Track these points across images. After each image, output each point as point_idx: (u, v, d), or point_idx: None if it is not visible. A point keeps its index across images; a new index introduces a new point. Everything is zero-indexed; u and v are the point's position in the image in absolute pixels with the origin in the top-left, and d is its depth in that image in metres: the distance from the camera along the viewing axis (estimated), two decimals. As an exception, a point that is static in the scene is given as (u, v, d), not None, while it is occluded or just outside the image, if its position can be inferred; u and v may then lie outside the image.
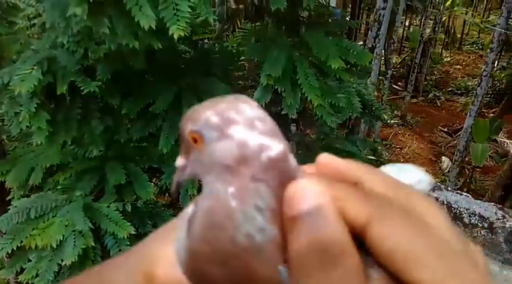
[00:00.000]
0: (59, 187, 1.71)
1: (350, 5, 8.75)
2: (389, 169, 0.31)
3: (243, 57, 2.18)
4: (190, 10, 1.26)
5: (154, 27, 1.23)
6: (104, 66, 1.49)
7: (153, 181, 2.10)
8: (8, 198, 1.77)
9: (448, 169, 6.03)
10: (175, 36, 1.24)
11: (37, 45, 1.55)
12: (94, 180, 1.74)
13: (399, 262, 0.20)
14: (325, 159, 0.25)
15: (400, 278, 0.20)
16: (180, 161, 0.25)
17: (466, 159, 5.90)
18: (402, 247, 0.20)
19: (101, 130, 1.62)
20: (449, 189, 2.11)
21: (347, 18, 5.31)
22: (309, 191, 0.21)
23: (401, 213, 0.22)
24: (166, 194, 2.32)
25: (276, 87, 1.79)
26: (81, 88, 1.44)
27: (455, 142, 6.61)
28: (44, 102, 1.47)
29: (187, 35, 1.29)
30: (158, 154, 1.85)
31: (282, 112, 1.87)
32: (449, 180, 5.26)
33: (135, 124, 1.76)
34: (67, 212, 1.59)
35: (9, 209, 1.59)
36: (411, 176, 0.30)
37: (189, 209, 0.27)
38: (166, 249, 0.29)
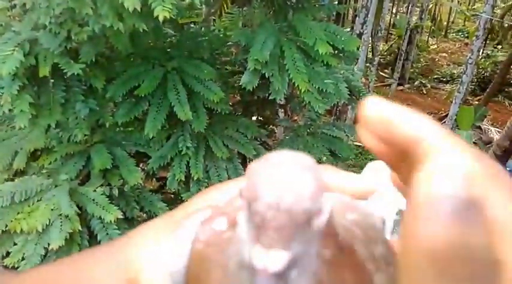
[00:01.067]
0: (43, 171, 1.69)
1: (338, -9, 8.71)
2: (378, 165, 0.30)
3: (230, 42, 2.16)
4: (176, -9, 1.24)
5: (139, 9, 1.21)
6: (88, 48, 1.46)
7: (140, 166, 2.09)
8: (-9, 183, 1.75)
9: (432, 155, 6.11)
10: (161, 18, 1.22)
11: (18, 26, 1.51)
12: (79, 164, 1.72)
13: None
14: (372, 107, 0.22)
15: None
16: (280, 257, 0.18)
17: (451, 145, 5.98)
18: None
19: (85, 113, 1.60)
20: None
21: (335, 3, 5.29)
22: None
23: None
24: (154, 179, 2.31)
25: (263, 72, 1.79)
26: (64, 71, 1.41)
27: (440, 129, 6.69)
28: (26, 84, 1.44)
29: (173, 17, 1.27)
30: (145, 139, 1.84)
31: (270, 98, 1.87)
32: (433, 166, 5.35)
33: (120, 108, 1.74)
34: (53, 196, 1.58)
35: (-8, 193, 1.57)
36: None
37: (188, 225, 0.26)
38: (151, 258, 0.28)
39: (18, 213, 1.54)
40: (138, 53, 1.79)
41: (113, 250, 0.31)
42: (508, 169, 3.74)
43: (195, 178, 1.84)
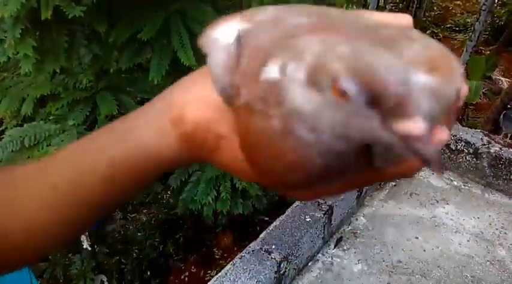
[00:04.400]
0: (51, 117, 1.72)
1: None
2: None
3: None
4: None
5: None
6: (89, -11, 1.43)
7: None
8: (0, 129, 1.78)
9: (441, 106, 6.03)
10: (161, -44, 1.18)
11: (18, -32, 1.48)
12: (86, 110, 1.74)
13: None
14: None
15: None
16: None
17: (460, 96, 5.89)
18: None
19: (89, 59, 1.60)
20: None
21: None
22: None
23: None
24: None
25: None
26: (66, 13, 1.39)
27: (450, 79, 6.55)
28: (28, 28, 1.43)
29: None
30: (150, 86, 1.83)
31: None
32: (441, 117, 5.30)
33: (124, 54, 1.72)
34: (61, 141, 1.62)
35: (3, 138, 1.61)
36: None
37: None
38: (193, 94, 0.29)
39: (28, 157, 1.58)
40: (140, -4, 1.75)
41: (153, 102, 0.32)
42: None
43: (200, 125, 1.86)
